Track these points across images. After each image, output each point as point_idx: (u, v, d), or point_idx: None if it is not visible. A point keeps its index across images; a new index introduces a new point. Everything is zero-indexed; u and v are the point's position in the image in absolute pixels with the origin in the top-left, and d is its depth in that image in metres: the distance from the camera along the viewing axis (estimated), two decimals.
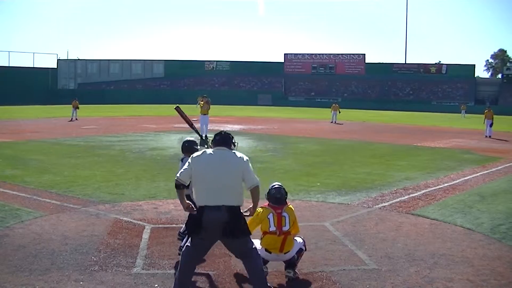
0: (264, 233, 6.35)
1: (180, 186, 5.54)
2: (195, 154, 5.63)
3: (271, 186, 6.59)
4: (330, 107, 43.39)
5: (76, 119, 37.27)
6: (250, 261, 5.52)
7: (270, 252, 6.26)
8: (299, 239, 6.53)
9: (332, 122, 40.28)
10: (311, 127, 35.26)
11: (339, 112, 41.65)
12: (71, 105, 38.75)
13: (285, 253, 6.28)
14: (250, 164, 5.53)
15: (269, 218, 6.28)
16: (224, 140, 5.61)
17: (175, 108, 7.93)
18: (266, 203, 6.44)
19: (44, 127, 30.81)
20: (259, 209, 6.18)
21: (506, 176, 14.82)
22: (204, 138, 7.81)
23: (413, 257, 7.22)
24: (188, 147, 7.49)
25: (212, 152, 5.55)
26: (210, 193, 5.35)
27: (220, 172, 5.37)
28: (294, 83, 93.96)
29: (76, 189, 11.50)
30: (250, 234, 5.54)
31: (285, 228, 6.27)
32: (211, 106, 26.39)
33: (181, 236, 7.55)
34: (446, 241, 8.05)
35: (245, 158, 5.53)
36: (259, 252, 5.88)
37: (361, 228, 8.77)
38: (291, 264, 6.33)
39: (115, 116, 44.80)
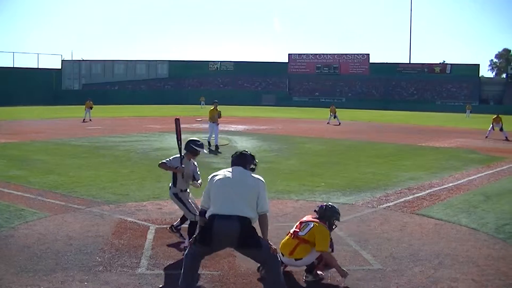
0: (287, 233, 6.55)
1: (203, 214, 5.58)
2: (212, 174, 5.69)
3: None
4: (330, 108, 41.40)
5: (90, 119, 37.24)
6: (267, 265, 5.48)
7: (283, 255, 6.25)
8: None
9: (339, 124, 38.86)
10: (315, 127, 35.23)
11: (332, 115, 40.15)
12: (83, 106, 38.87)
13: (296, 260, 6.24)
14: (265, 189, 5.57)
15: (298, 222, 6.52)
16: (240, 159, 5.74)
17: (175, 120, 7.90)
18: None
19: (49, 127, 30.89)
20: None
21: (511, 176, 14.77)
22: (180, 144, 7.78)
23: (418, 257, 7.21)
24: (191, 149, 7.73)
25: (229, 171, 5.64)
26: (223, 204, 5.35)
27: (236, 188, 5.42)
28: (298, 83, 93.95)
29: (80, 190, 11.52)
30: (261, 246, 5.39)
31: (301, 234, 6.26)
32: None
33: (174, 230, 7.68)
34: (451, 241, 8.03)
35: (263, 181, 5.58)
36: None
37: (366, 228, 8.76)
38: (310, 268, 6.33)
39: (120, 116, 44.87)
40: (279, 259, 5.59)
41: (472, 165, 16.84)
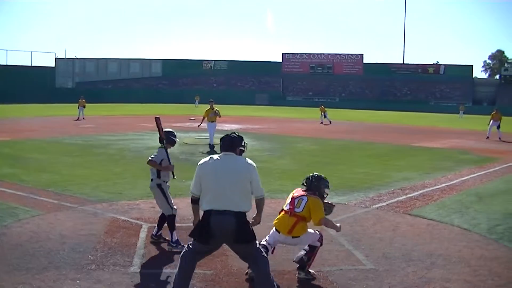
0: (281, 211, 6.45)
1: (195, 201, 5.51)
2: (202, 161, 5.56)
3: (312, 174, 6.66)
4: (320, 108, 41.05)
5: (83, 118, 36.96)
6: (256, 265, 5.44)
7: (279, 232, 6.25)
8: (314, 231, 6.44)
9: (329, 123, 38.70)
10: (308, 127, 35.24)
11: (322, 115, 40.07)
12: (77, 104, 38.44)
13: (293, 237, 6.21)
14: (257, 172, 5.47)
15: (289, 197, 6.41)
16: (229, 144, 5.56)
17: (155, 118, 7.91)
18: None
19: (42, 125, 30.75)
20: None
21: (503, 177, 14.85)
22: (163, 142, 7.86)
23: (410, 257, 7.23)
24: (169, 140, 7.92)
25: (218, 158, 5.48)
26: (217, 198, 5.27)
27: (227, 178, 5.30)
28: (292, 83, 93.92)
29: (73, 188, 11.49)
30: (255, 240, 5.43)
31: (298, 210, 6.19)
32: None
33: (154, 238, 7.69)
34: (443, 241, 8.06)
35: (253, 165, 5.47)
36: (270, 234, 6.22)
37: (359, 228, 8.78)
38: (301, 265, 6.33)
39: (113, 115, 44.74)
40: (268, 259, 5.56)
41: (465, 166, 16.90)
